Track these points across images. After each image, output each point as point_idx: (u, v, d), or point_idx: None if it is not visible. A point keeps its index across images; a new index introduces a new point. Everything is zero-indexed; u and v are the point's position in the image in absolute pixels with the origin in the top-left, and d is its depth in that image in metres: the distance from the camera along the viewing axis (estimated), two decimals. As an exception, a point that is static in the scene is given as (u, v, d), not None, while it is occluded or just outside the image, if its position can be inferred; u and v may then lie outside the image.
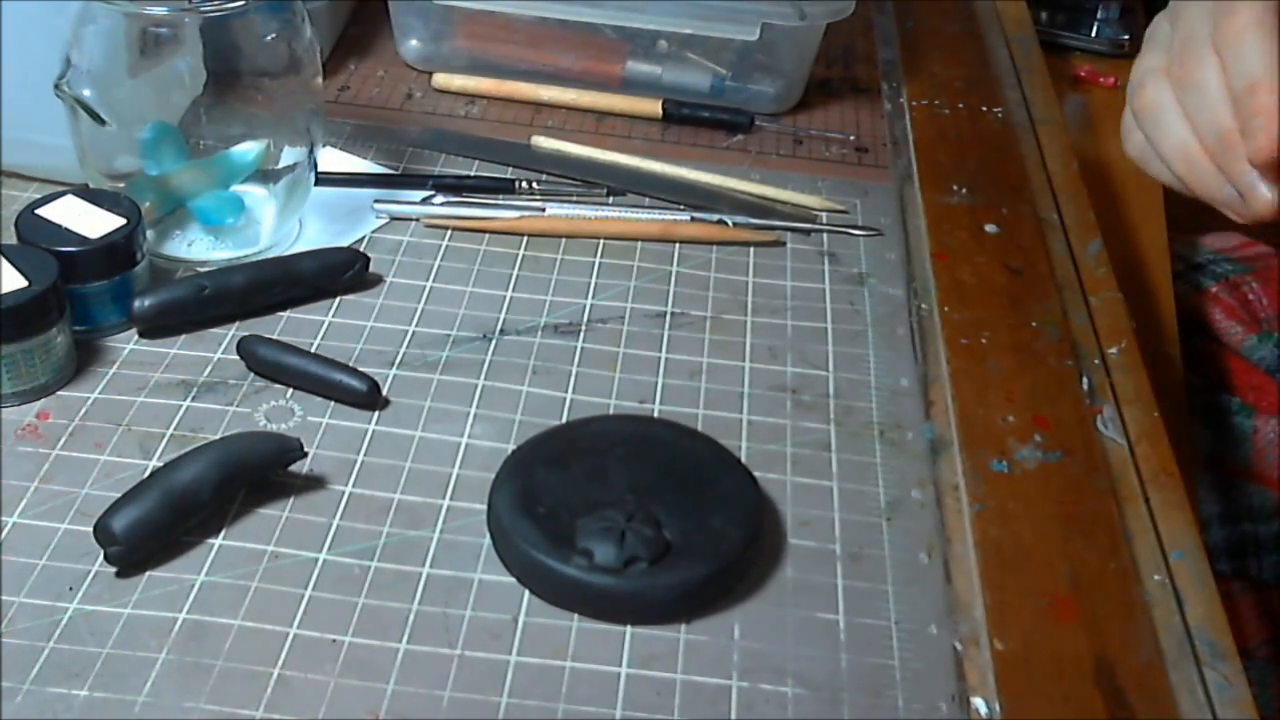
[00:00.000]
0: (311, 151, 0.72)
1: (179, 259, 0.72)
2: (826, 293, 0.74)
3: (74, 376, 0.63)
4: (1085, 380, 0.68)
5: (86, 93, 0.66)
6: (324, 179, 0.77)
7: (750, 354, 0.69)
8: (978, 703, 0.52)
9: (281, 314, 0.69)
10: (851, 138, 0.90)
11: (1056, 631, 0.54)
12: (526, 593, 0.55)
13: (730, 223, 0.78)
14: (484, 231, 0.77)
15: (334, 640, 0.52)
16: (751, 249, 0.77)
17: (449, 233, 0.76)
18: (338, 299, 0.70)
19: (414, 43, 0.93)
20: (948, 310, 0.72)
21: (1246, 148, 0.49)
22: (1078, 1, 1.28)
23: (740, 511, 0.57)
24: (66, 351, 0.63)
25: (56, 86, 0.66)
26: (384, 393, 0.64)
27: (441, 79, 0.92)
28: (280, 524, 0.57)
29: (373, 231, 0.76)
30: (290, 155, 0.72)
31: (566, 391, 0.66)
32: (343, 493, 0.59)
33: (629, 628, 0.54)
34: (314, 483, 0.59)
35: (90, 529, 0.54)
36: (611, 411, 0.64)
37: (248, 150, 0.72)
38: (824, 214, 0.81)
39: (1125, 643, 0.54)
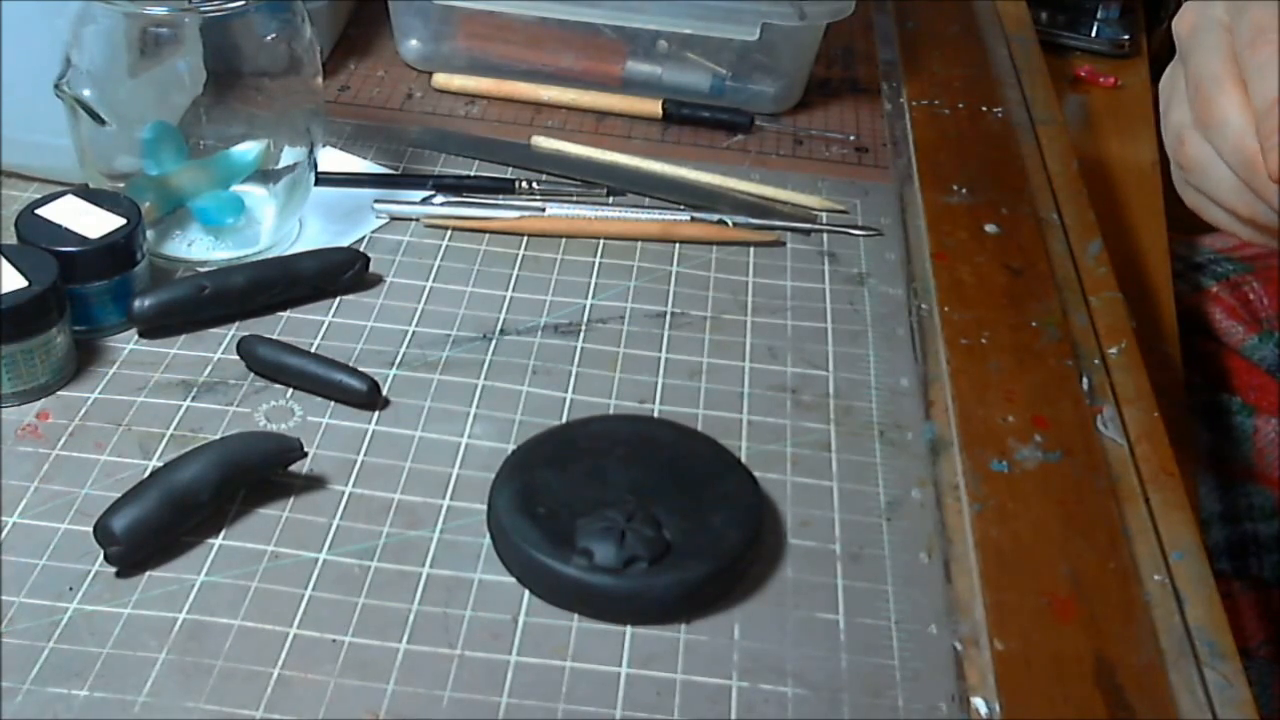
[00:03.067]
0: (311, 151, 0.72)
1: (179, 259, 0.72)
2: (826, 293, 0.74)
3: (74, 376, 0.63)
4: (1085, 380, 0.68)
5: (86, 93, 0.66)
6: (324, 179, 0.77)
7: (750, 354, 0.69)
8: (978, 703, 0.52)
9: (281, 314, 0.69)
10: (851, 138, 0.90)
11: (1056, 631, 0.54)
12: (526, 593, 0.55)
13: (730, 223, 0.78)
14: (484, 231, 0.77)
15: (334, 640, 0.52)
16: (751, 249, 0.77)
17: (449, 233, 0.76)
18: (338, 299, 0.70)
19: (414, 43, 0.93)
20: (948, 310, 0.72)
21: (1266, 165, 0.49)
22: (1078, 1, 1.28)
23: (740, 511, 0.57)
24: (66, 351, 0.63)
25: (56, 86, 0.66)
26: (384, 393, 0.64)
27: (441, 79, 0.92)
28: (280, 524, 0.57)
29: (373, 231, 0.76)
30: (290, 155, 0.72)
31: (566, 391, 0.66)
32: (343, 493, 0.59)
33: (629, 628, 0.54)
34: (314, 483, 0.59)
35: (90, 529, 0.54)
36: (611, 411, 0.64)
37: (248, 150, 0.72)
38: (824, 214, 0.81)
39: (1125, 643, 0.54)
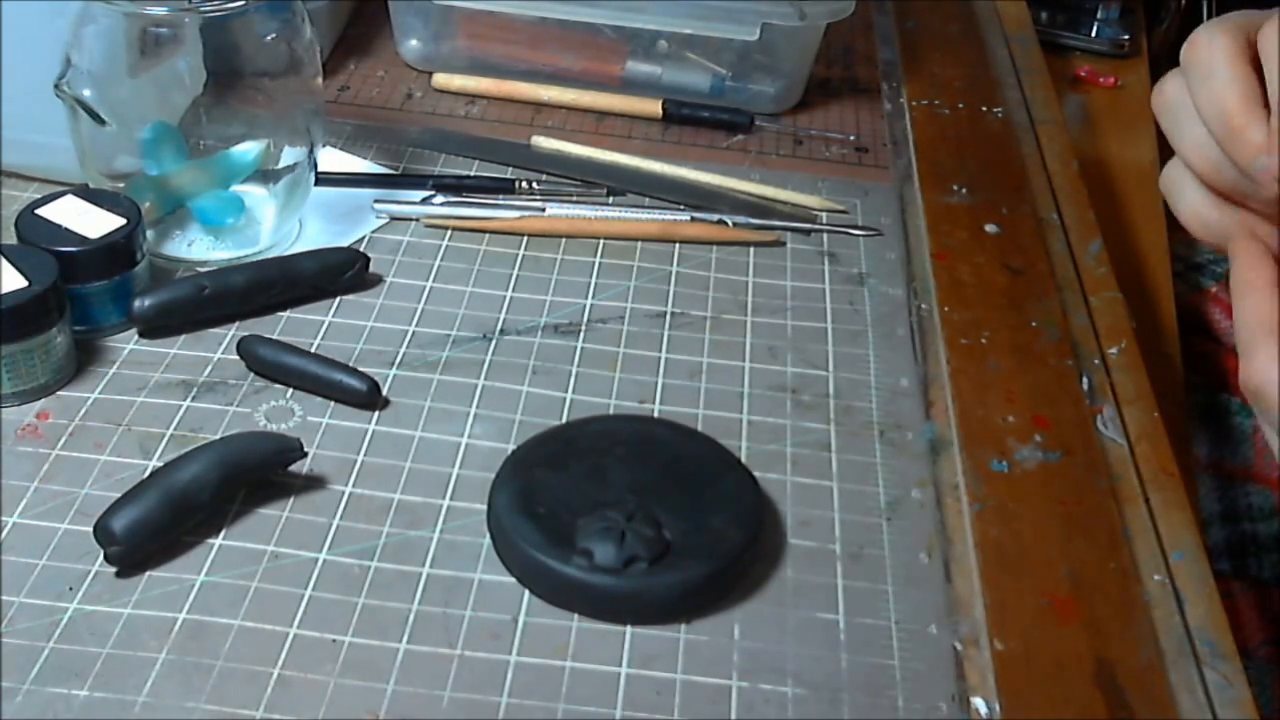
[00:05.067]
0: (311, 151, 0.72)
1: (179, 259, 0.72)
2: (826, 293, 0.74)
3: (74, 376, 0.63)
4: (1085, 380, 0.68)
5: (86, 93, 0.66)
6: (324, 179, 0.77)
7: (750, 354, 0.69)
8: (978, 703, 0.52)
9: (281, 314, 0.69)
10: (851, 138, 0.90)
11: (1056, 631, 0.54)
12: (526, 593, 0.55)
13: (730, 223, 0.78)
14: (484, 231, 0.77)
15: (334, 640, 0.52)
16: (751, 249, 0.77)
17: (449, 233, 0.76)
18: (338, 299, 0.70)
19: (414, 43, 0.93)
20: (948, 310, 0.72)
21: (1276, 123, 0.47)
22: (1078, 1, 1.28)
23: (740, 511, 0.57)
24: (66, 351, 0.63)
25: (56, 86, 0.66)
26: (384, 393, 0.64)
27: (441, 79, 0.92)
28: (280, 524, 0.57)
29: (373, 231, 0.76)
30: (290, 155, 0.72)
31: (566, 391, 0.66)
32: (343, 493, 0.59)
33: (629, 628, 0.54)
34: (314, 483, 0.59)
35: (90, 529, 0.54)
36: (611, 411, 0.64)
37: (248, 150, 0.72)
38: (824, 214, 0.81)
39: (1125, 643, 0.54)
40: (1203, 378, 0.90)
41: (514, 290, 0.72)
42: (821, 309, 0.73)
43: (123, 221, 0.65)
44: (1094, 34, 1.27)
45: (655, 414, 0.65)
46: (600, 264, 0.75)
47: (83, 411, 0.62)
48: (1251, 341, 0.47)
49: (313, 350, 0.66)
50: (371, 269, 0.72)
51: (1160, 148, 1.11)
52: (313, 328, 0.68)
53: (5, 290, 0.59)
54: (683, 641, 0.53)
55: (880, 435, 0.64)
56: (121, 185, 0.70)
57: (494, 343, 0.68)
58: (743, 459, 0.62)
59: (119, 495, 0.55)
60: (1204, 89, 0.49)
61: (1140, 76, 1.23)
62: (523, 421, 0.63)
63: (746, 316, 0.72)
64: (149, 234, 0.69)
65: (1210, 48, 0.50)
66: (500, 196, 0.80)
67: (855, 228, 0.80)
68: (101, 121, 0.67)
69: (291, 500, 0.58)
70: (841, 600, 0.56)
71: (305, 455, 0.59)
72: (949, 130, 0.90)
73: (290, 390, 0.64)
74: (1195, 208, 0.52)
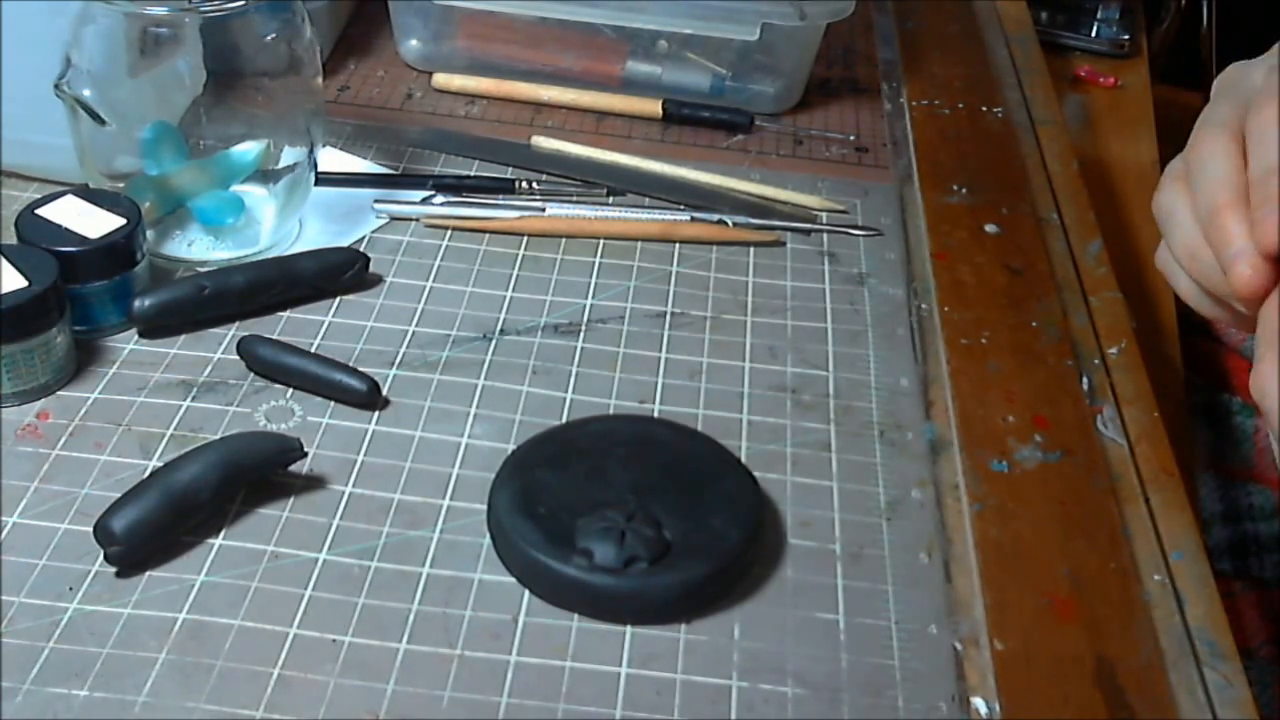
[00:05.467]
0: (311, 151, 0.72)
1: (179, 259, 0.72)
2: (826, 293, 0.74)
3: (74, 376, 0.63)
4: (1085, 380, 0.68)
5: (86, 93, 0.66)
6: (324, 179, 0.77)
7: (750, 354, 0.69)
8: (978, 703, 0.52)
9: (281, 314, 0.69)
10: (851, 138, 0.90)
11: (1056, 631, 0.54)
12: (526, 593, 0.55)
13: (730, 223, 0.78)
14: (484, 231, 0.77)
15: (334, 640, 0.52)
16: (751, 249, 0.77)
17: (449, 233, 0.76)
18: (338, 299, 0.70)
19: (414, 43, 0.93)
20: (948, 310, 0.72)
21: (1254, 233, 0.49)
22: (1078, 1, 1.28)
23: (740, 511, 0.57)
24: (66, 351, 0.63)
25: (56, 86, 0.66)
26: (384, 393, 0.64)
27: (441, 79, 0.92)
28: (280, 524, 0.57)
29: (373, 231, 0.76)
30: (290, 155, 0.72)
31: (566, 391, 0.66)
32: (343, 493, 0.59)
33: (629, 628, 0.54)
34: (314, 483, 0.59)
35: (90, 529, 0.54)
36: (611, 411, 0.64)
37: (248, 150, 0.72)
38: (824, 214, 0.81)
39: (1125, 643, 0.54)
40: (1203, 378, 0.90)
41: (514, 290, 0.72)
42: (821, 309, 0.73)
43: (123, 221, 0.65)
44: (1094, 34, 1.27)
45: (655, 414, 0.65)
46: (600, 264, 0.75)
47: (83, 411, 0.62)
48: (1261, 350, 0.48)
49: (313, 350, 0.66)
50: (371, 269, 0.72)
51: (1160, 148, 1.11)
52: (313, 328, 0.68)
53: (5, 290, 0.59)
54: (683, 641, 0.53)
55: (880, 435, 0.64)
56: (121, 185, 0.70)
57: (494, 343, 0.68)
58: (743, 459, 0.62)
59: (119, 495, 0.55)
60: (1198, 184, 0.52)
61: (1140, 76, 1.23)
62: (523, 421, 0.63)
63: (746, 316, 0.72)
64: (149, 234, 0.69)
65: (1211, 148, 0.52)
66: (500, 196, 0.80)
67: (855, 228, 0.80)
68: (101, 121, 0.67)
69: (291, 500, 0.58)
70: (841, 600, 0.56)
71: (305, 455, 0.59)
72: (949, 130, 0.90)
73: (290, 390, 0.64)
74: (1189, 294, 0.55)
